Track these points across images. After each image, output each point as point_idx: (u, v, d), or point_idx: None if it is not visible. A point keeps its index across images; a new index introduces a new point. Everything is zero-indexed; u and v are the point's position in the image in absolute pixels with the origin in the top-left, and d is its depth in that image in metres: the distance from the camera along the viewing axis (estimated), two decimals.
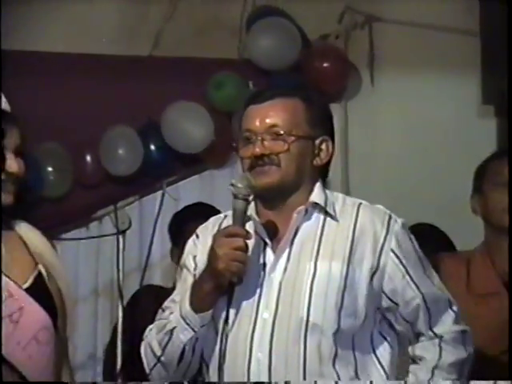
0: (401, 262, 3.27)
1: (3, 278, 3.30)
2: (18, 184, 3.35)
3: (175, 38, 5.73)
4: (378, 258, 3.26)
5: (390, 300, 3.28)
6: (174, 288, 4.04)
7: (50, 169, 5.43)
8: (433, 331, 3.35)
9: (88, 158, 5.57)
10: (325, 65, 5.72)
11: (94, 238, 5.51)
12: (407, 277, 3.28)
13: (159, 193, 5.66)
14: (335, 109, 5.70)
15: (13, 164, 3.30)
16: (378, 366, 3.33)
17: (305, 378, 3.27)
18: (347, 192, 5.62)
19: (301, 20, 5.72)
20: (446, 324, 3.38)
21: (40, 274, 3.36)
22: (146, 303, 4.79)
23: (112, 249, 4.98)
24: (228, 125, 5.61)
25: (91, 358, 5.54)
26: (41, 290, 3.35)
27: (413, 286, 3.30)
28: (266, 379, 3.27)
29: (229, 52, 5.74)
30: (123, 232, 4.93)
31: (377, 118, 5.78)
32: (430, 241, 4.38)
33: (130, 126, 5.59)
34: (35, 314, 3.31)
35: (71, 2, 5.65)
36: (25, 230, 3.44)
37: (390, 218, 3.29)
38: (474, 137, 5.45)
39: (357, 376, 3.30)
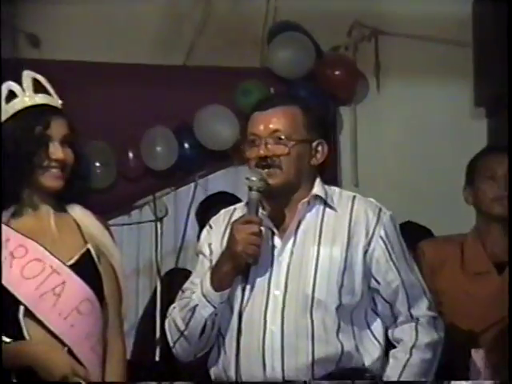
0: (386, 248, 3.31)
1: (47, 254, 3.29)
2: (66, 170, 3.32)
3: (205, 49, 5.69)
4: (368, 242, 3.31)
5: (375, 280, 3.32)
6: None
7: (97, 164, 5.45)
8: (410, 312, 3.36)
9: (130, 154, 5.62)
10: (336, 73, 5.75)
11: (135, 224, 5.50)
12: (390, 262, 3.31)
13: (192, 184, 5.65)
14: (345, 111, 5.91)
15: (57, 151, 3.29)
16: (374, 340, 3.37)
17: (313, 347, 3.29)
18: (356, 184, 5.81)
19: (314, 33, 5.72)
20: (422, 308, 3.38)
21: (88, 252, 3.35)
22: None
23: (151, 233, 4.98)
24: None
25: (132, 328, 5.38)
26: (86, 267, 3.34)
27: (394, 269, 3.33)
28: (279, 349, 3.29)
29: (252, 62, 5.74)
30: (161, 219, 4.93)
31: (382, 119, 5.77)
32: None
33: (167, 126, 5.65)
34: (77, 287, 3.30)
35: (115, 18, 5.63)
36: (78, 212, 3.41)
37: (381, 210, 3.35)
38: (468, 135, 5.42)
39: (357, 348, 3.34)
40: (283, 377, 3.29)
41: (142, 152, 5.63)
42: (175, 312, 3.36)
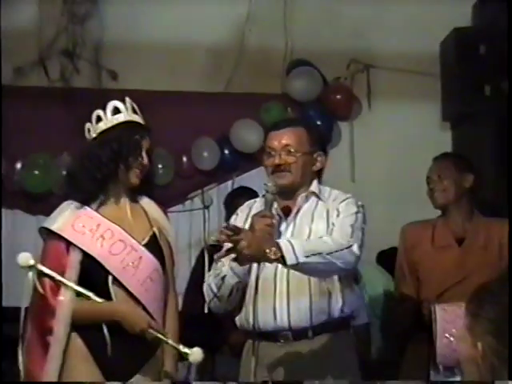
0: (339, 212, 3.32)
1: (128, 236, 3.35)
2: (145, 172, 3.40)
3: (239, 79, 5.66)
4: (337, 211, 3.34)
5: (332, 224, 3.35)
6: None
7: (159, 166, 5.36)
8: (334, 234, 3.29)
9: (184, 158, 5.66)
10: (337, 97, 5.76)
11: (188, 211, 5.40)
12: (340, 215, 3.31)
13: (230, 181, 5.68)
14: (344, 125, 5.83)
15: (145, 159, 3.38)
16: (354, 287, 3.48)
17: (311, 302, 3.31)
18: (353, 180, 5.75)
19: (321, 67, 5.70)
20: (346, 236, 3.28)
21: (154, 234, 3.41)
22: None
23: (200, 218, 4.84)
24: None
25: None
26: (154, 245, 3.40)
27: (339, 220, 3.30)
28: (285, 304, 3.31)
29: (275, 89, 5.71)
30: (207, 207, 4.83)
31: (372, 131, 5.73)
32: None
33: (211, 137, 5.67)
34: (149, 261, 3.36)
35: (172, 56, 5.57)
36: (146, 203, 3.48)
37: (348, 197, 3.40)
38: (437, 143, 5.21)
39: (342, 297, 3.34)
40: (289, 324, 3.31)
41: (193, 156, 5.67)
42: (210, 279, 3.39)
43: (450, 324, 3.75)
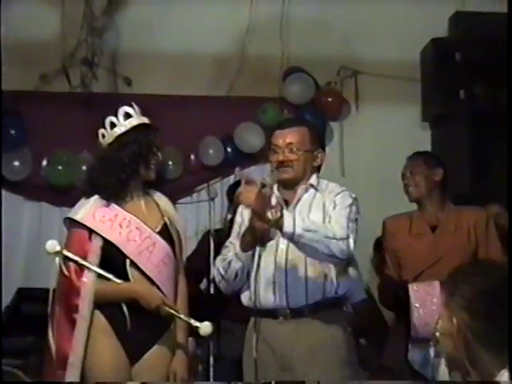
0: (336, 205, 3.31)
1: (143, 225, 3.36)
2: (159, 169, 3.44)
3: (241, 84, 5.64)
4: (334, 203, 3.33)
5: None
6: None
7: (170, 162, 5.37)
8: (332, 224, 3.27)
9: (192, 156, 5.65)
10: (329, 100, 5.75)
11: (195, 202, 5.45)
12: (336, 208, 3.30)
13: (233, 176, 5.52)
14: (335, 125, 5.90)
15: (160, 155, 3.42)
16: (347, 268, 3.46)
17: (307, 283, 3.29)
18: (343, 174, 5.65)
19: (314, 73, 5.69)
20: (340, 227, 3.26)
21: (165, 223, 3.44)
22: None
23: (206, 209, 4.85)
24: (271, 134, 5.58)
25: None
26: (165, 233, 3.43)
27: (335, 212, 3.28)
28: (283, 284, 3.29)
29: (272, 93, 5.68)
30: (213, 199, 4.82)
31: (360, 130, 5.72)
32: None
33: (216, 136, 5.66)
34: (162, 247, 3.40)
35: (180, 64, 5.53)
36: (158, 196, 3.50)
37: (343, 190, 3.40)
38: (417, 141, 5.22)
39: (337, 277, 3.31)
40: (287, 303, 3.30)
41: (200, 154, 5.66)
42: (218, 263, 3.41)
43: (421, 300, 3.77)
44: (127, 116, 3.43)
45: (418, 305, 3.73)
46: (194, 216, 5.41)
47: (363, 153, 5.75)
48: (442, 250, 3.99)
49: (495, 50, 5.32)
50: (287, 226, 3.10)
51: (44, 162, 5.56)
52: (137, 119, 3.43)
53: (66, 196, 5.33)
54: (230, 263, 3.35)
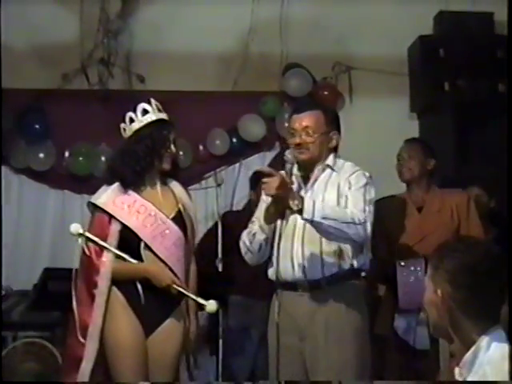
0: (351, 184, 3.26)
1: (158, 211, 3.37)
2: (173, 159, 3.46)
3: (245, 80, 5.60)
4: (349, 183, 3.28)
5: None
6: (244, 210, 4.29)
7: (181, 152, 4.87)
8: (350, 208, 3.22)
9: (200, 146, 5.63)
10: (325, 93, 5.71)
11: (203, 188, 5.39)
12: (351, 189, 3.25)
13: (238, 164, 5.65)
14: None
15: (173, 148, 3.44)
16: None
17: (322, 256, 3.24)
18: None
19: (311, 69, 5.68)
20: (356, 209, 3.22)
21: (179, 210, 3.46)
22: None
23: (213, 195, 4.84)
24: (272, 126, 5.64)
25: None
26: (179, 218, 3.45)
27: (352, 192, 3.24)
28: (300, 257, 3.25)
29: (273, 87, 5.66)
30: (219, 185, 4.84)
31: (353, 120, 5.40)
32: None
33: (222, 128, 5.64)
34: (174, 232, 3.41)
35: (189, 62, 5.48)
36: (174, 185, 3.52)
37: (358, 170, 3.34)
38: (406, 130, 5.15)
39: (351, 251, 3.27)
40: (305, 276, 3.26)
41: (207, 144, 5.66)
42: (245, 235, 3.37)
43: (407, 275, 3.79)
44: (144, 112, 3.42)
45: (404, 279, 3.72)
46: (202, 201, 5.42)
47: (356, 141, 5.36)
48: (427, 228, 4.00)
49: (476, 45, 5.36)
50: (306, 214, 3.09)
51: (66, 154, 5.57)
52: (153, 115, 3.42)
53: (86, 184, 5.37)
54: (254, 235, 3.32)
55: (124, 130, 3.46)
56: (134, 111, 3.43)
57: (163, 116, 3.48)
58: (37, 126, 5.51)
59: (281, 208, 3.19)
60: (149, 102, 3.45)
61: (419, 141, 4.39)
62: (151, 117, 3.43)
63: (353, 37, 5.69)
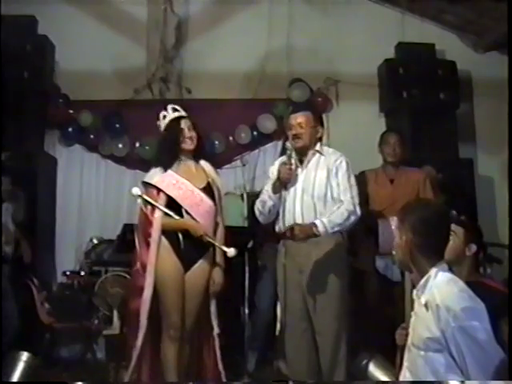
0: (338, 170, 3.26)
1: (192, 186, 3.26)
2: (194, 142, 3.33)
3: (262, 90, 5.45)
4: (336, 168, 3.27)
5: (336, 183, 3.27)
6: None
7: (216, 142, 5.34)
8: (340, 198, 3.23)
9: (230, 137, 5.50)
10: (319, 99, 5.60)
11: (233, 167, 5.27)
12: (338, 176, 3.26)
13: (257, 150, 5.51)
14: (324, 117, 5.13)
15: (187, 133, 3.31)
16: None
17: (316, 212, 3.21)
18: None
19: (309, 82, 5.53)
20: (346, 198, 3.22)
21: (208, 182, 3.38)
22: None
23: (240, 173, 4.89)
24: (281, 123, 5.29)
25: None
26: (208, 189, 3.37)
27: (340, 180, 3.24)
28: (300, 216, 3.23)
29: (282, 95, 5.47)
30: (244, 165, 4.89)
31: (340, 119, 5.50)
32: None
33: (246, 124, 5.51)
34: (206, 201, 3.34)
35: (220, 75, 5.35)
36: (203, 163, 3.44)
37: (341, 156, 3.32)
38: (377, 127, 5.08)
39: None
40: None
41: (235, 136, 5.52)
42: (258, 203, 3.39)
43: (386, 228, 3.71)
44: (172, 111, 3.37)
45: (383, 232, 3.71)
46: (232, 177, 5.33)
47: (342, 134, 5.39)
48: (397, 195, 3.99)
49: (424, 66, 5.35)
50: (323, 233, 3.11)
51: (137, 144, 5.47)
52: (176, 113, 3.35)
53: (150, 166, 5.16)
54: (265, 202, 3.32)
55: (159, 126, 3.40)
56: (166, 110, 3.39)
57: (183, 113, 3.38)
58: (117, 125, 5.48)
59: (283, 183, 3.21)
60: (174, 105, 3.41)
61: (400, 134, 4.29)
62: (174, 115, 3.36)
63: (339, 59, 5.62)
